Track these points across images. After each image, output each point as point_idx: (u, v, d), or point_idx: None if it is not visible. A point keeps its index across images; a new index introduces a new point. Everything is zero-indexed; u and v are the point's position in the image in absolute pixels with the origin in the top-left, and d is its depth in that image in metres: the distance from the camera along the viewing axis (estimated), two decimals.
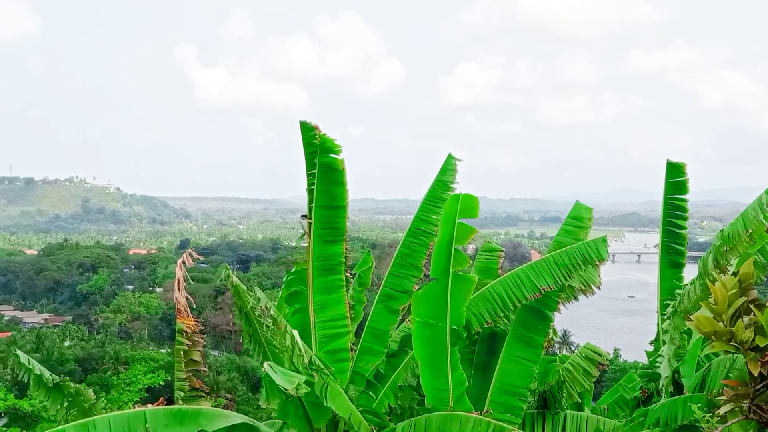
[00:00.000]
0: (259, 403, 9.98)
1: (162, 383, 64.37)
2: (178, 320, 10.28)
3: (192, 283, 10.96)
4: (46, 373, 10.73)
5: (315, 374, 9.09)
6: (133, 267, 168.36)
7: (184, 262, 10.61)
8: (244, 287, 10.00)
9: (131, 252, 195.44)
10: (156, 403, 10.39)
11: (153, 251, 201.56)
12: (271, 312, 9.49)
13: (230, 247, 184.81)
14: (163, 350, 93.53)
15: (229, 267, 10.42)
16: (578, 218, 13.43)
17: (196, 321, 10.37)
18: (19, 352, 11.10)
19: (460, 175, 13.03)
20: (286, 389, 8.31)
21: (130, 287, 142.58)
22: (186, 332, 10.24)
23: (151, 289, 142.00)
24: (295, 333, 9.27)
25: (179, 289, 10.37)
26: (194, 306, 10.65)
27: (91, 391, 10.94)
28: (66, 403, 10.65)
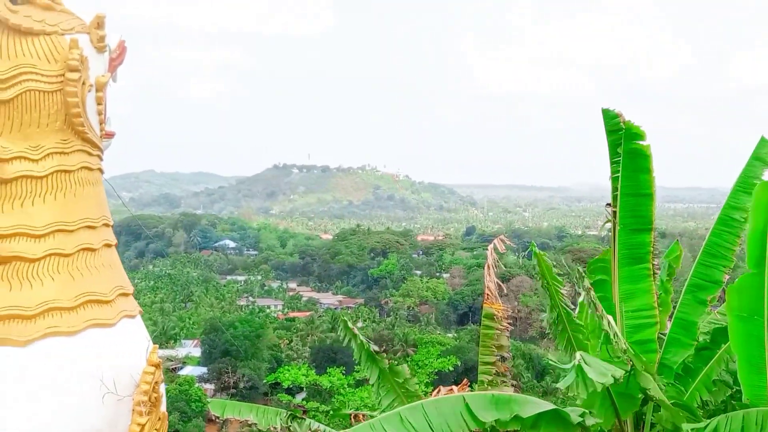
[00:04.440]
0: (568, 392, 9.95)
1: (451, 368, 66.17)
2: (485, 305, 10.49)
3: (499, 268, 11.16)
4: (370, 345, 11.34)
5: (629, 361, 8.97)
6: (420, 252, 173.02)
7: (495, 248, 10.82)
8: (552, 266, 10.04)
9: (419, 238, 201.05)
10: (459, 386, 10.71)
11: (440, 238, 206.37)
12: (592, 294, 9.48)
13: (515, 234, 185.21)
14: (449, 335, 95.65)
15: (536, 245, 10.52)
16: None
17: (504, 306, 10.53)
18: (347, 320, 11.84)
19: None
20: (599, 382, 8.25)
21: (418, 272, 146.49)
22: (494, 317, 10.43)
23: (438, 274, 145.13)
24: (610, 318, 9.19)
25: (489, 274, 10.58)
26: (504, 292, 10.82)
27: (406, 367, 11.46)
28: (379, 376, 11.23)
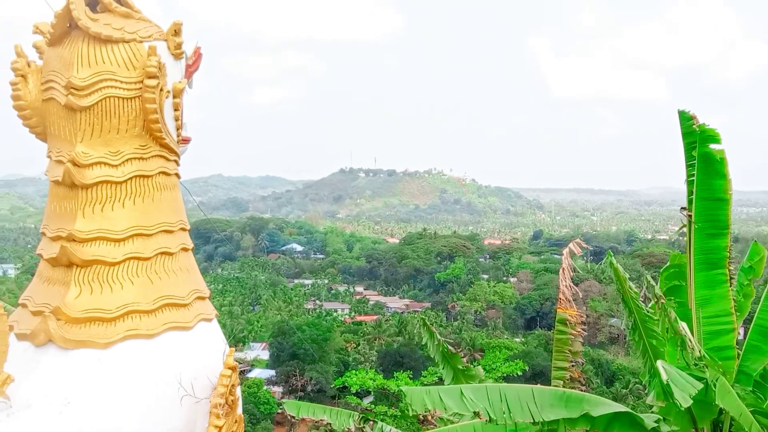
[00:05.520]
0: (646, 401, 9.79)
1: (519, 373, 65.71)
2: (559, 309, 10.38)
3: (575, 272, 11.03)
4: (446, 345, 11.33)
5: (706, 369, 8.78)
6: (487, 257, 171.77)
7: (571, 252, 10.70)
8: (627, 275, 9.89)
9: (486, 242, 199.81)
10: None
11: (507, 242, 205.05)
12: (662, 300, 9.31)
13: (584, 238, 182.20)
14: (517, 339, 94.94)
15: (612, 254, 10.37)
16: None
17: (579, 312, 10.40)
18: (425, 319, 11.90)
19: None
20: (680, 404, 8.08)
21: (485, 276, 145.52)
22: (567, 322, 10.31)
23: (505, 278, 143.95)
24: (684, 325, 9.03)
25: (564, 279, 10.46)
26: (579, 297, 10.68)
27: (480, 368, 11.43)
28: (453, 378, 11.22)
